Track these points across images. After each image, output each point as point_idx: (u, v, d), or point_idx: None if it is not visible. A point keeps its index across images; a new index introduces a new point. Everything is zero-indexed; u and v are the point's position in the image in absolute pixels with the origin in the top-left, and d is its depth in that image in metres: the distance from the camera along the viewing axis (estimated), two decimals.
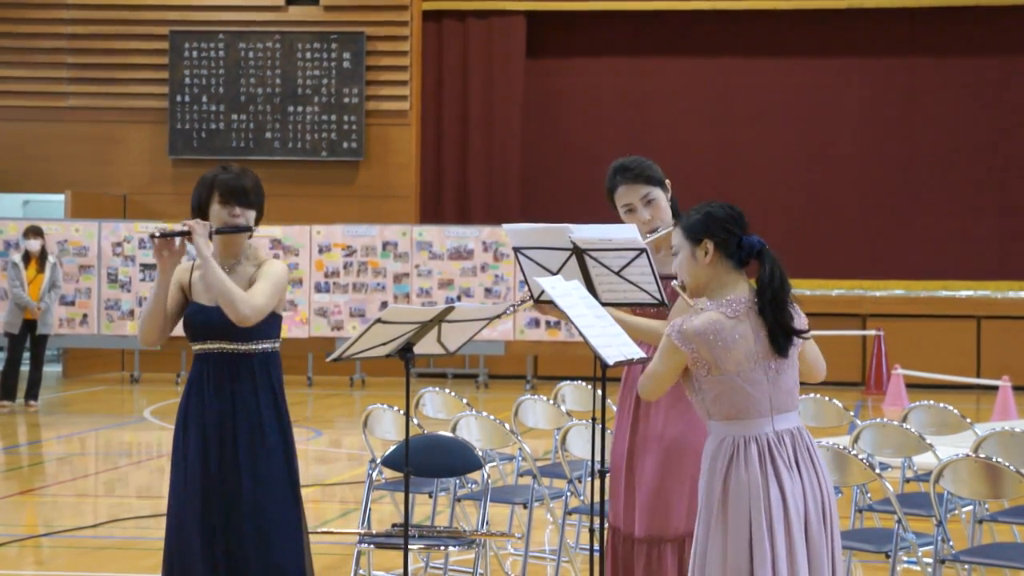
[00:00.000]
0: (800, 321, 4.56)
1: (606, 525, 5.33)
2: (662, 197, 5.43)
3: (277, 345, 5.35)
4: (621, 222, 5.38)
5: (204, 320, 5.25)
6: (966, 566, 6.39)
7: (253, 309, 5.15)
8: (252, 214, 5.31)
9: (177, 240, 5.23)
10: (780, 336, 4.49)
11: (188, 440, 5.25)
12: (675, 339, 4.50)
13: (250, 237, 5.36)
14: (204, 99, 20.30)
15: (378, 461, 6.97)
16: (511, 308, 5.39)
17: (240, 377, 5.24)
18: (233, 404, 5.22)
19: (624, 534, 5.35)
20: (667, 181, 5.47)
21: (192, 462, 5.22)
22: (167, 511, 5.34)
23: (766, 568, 4.40)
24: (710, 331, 4.46)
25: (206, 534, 5.18)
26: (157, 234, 5.19)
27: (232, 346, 5.24)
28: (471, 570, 6.93)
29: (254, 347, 5.26)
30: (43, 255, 15.69)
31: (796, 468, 4.49)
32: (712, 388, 4.50)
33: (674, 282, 4.67)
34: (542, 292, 5.12)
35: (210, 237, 5.24)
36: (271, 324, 5.30)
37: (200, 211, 5.31)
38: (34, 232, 15.61)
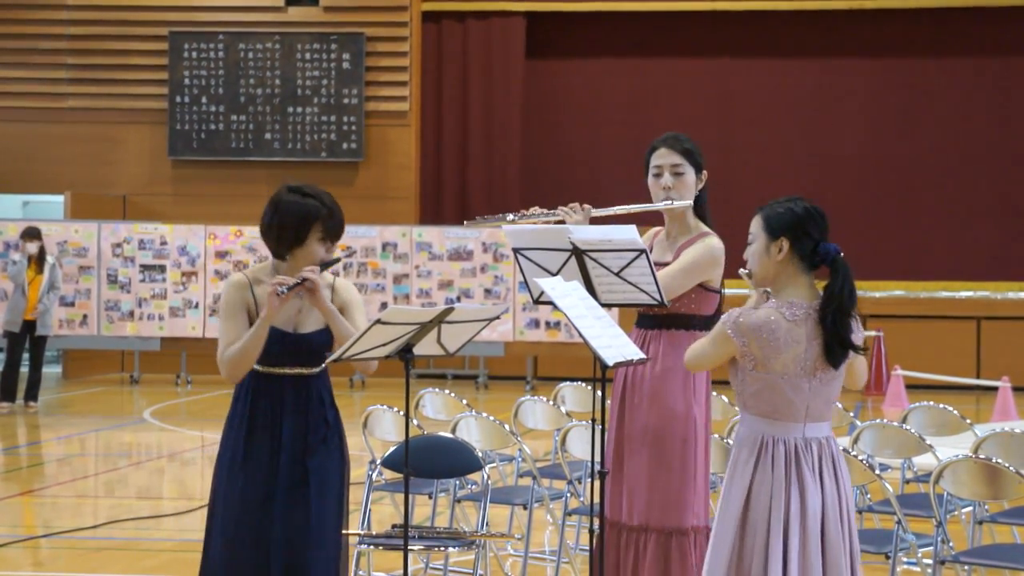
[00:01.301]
0: (858, 336, 4.56)
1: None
2: (691, 176, 5.54)
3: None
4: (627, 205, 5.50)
5: (291, 348, 5.23)
6: (966, 567, 6.39)
7: None
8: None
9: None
10: (836, 347, 4.49)
11: (251, 455, 5.22)
12: (729, 330, 4.51)
13: None
14: (204, 100, 20.30)
15: (378, 462, 6.96)
16: (496, 219, 5.60)
17: (313, 399, 5.27)
18: (307, 424, 5.24)
19: (611, 521, 5.46)
20: (705, 172, 5.59)
21: (256, 479, 5.20)
22: (211, 520, 5.29)
23: (776, 572, 4.41)
24: (765, 329, 4.47)
25: (260, 547, 5.16)
26: (284, 291, 5.07)
27: (308, 371, 5.27)
28: (471, 571, 6.92)
29: (319, 368, 5.31)
30: (41, 256, 15.68)
31: (819, 476, 4.51)
32: (754, 383, 4.52)
33: (741, 270, 4.68)
34: (542, 293, 5.13)
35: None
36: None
37: (293, 239, 5.24)
38: (30, 235, 15.59)
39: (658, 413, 5.40)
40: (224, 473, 5.27)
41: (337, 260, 5.31)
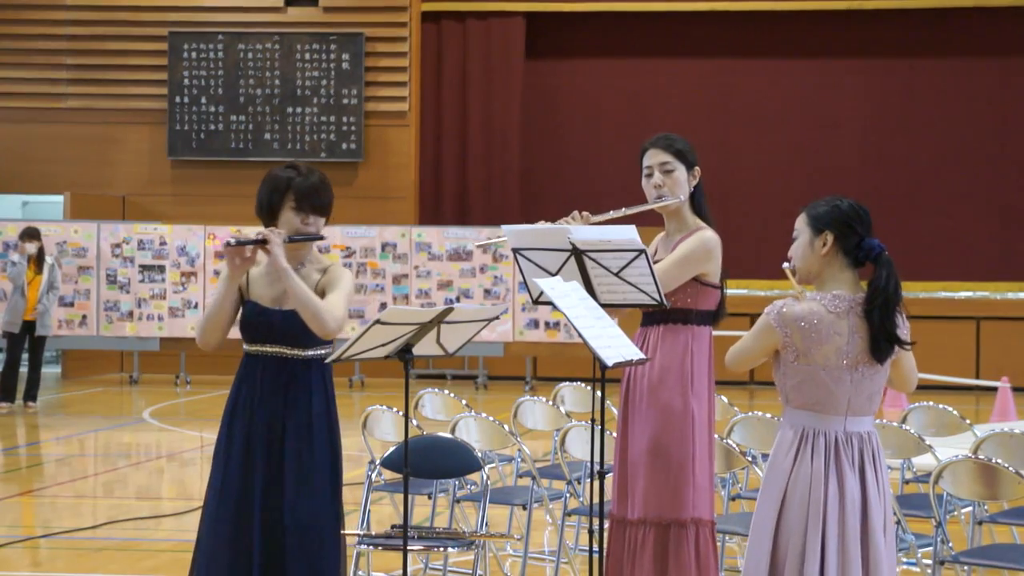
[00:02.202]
0: (903, 331, 4.57)
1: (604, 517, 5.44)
2: (682, 173, 5.59)
3: (331, 350, 5.26)
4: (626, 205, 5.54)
5: (266, 323, 5.16)
6: (965, 567, 6.39)
7: (338, 322, 5.07)
8: (323, 221, 5.26)
9: (248, 248, 5.11)
10: (883, 342, 4.51)
11: (232, 440, 5.15)
12: (772, 320, 4.55)
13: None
14: (203, 100, 20.30)
15: (377, 462, 6.96)
16: (485, 240, 5.69)
17: (296, 383, 5.16)
18: (284, 409, 5.13)
19: (616, 518, 5.54)
20: (697, 168, 5.63)
21: (234, 465, 5.13)
22: (203, 510, 5.24)
23: (814, 562, 4.42)
24: (807, 320, 4.50)
25: (240, 540, 5.08)
26: (232, 242, 5.05)
27: (292, 351, 5.17)
28: (470, 571, 6.93)
29: (312, 353, 5.19)
30: (41, 257, 15.68)
31: (860, 471, 4.52)
32: (795, 375, 4.54)
33: (785, 264, 4.70)
34: (541, 293, 5.14)
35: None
36: None
37: (269, 213, 5.21)
38: (29, 236, 15.59)
39: (657, 407, 5.44)
40: (214, 460, 5.22)
41: (315, 237, 5.21)
